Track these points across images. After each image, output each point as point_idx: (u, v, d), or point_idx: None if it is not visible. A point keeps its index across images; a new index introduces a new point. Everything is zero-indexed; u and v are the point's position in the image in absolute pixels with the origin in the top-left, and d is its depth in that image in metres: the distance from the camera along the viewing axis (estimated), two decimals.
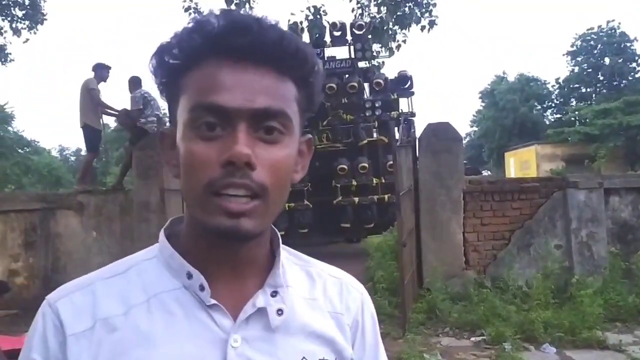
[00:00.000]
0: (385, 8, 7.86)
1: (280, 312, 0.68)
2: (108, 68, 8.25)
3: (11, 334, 5.66)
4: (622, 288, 6.14)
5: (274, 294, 0.69)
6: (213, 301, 0.65)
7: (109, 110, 8.28)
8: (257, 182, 0.61)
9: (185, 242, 0.69)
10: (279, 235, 0.74)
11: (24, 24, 13.01)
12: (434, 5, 7.85)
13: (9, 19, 12.97)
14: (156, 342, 0.63)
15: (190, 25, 0.64)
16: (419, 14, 7.72)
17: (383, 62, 11.10)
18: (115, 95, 8.99)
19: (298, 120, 0.67)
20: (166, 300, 0.65)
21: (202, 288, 0.65)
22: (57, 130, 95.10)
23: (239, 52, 0.61)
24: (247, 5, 8.77)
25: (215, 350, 0.63)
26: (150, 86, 8.24)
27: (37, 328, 0.65)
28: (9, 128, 28.07)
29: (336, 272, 0.80)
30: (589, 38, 39.56)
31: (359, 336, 0.77)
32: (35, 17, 13.01)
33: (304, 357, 0.68)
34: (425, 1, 7.75)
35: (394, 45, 7.95)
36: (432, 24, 7.86)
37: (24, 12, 13.00)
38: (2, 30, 13.16)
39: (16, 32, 12.97)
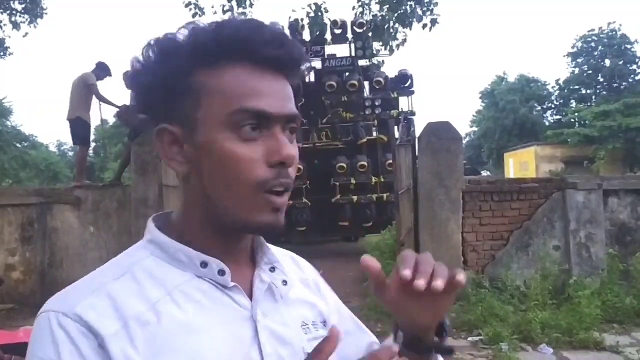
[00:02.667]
0: (387, 6, 7.84)
1: (284, 282, 0.76)
2: (108, 71, 8.18)
3: (7, 328, 5.66)
4: (620, 289, 6.13)
5: (272, 269, 0.76)
6: (233, 283, 0.69)
7: (111, 105, 8.24)
8: (291, 178, 0.69)
9: (183, 237, 0.71)
10: None
11: (24, 17, 12.98)
12: (435, 4, 7.84)
13: (8, 12, 12.93)
14: (197, 328, 0.65)
15: (212, 26, 0.67)
16: (420, 12, 7.71)
17: (383, 61, 11.10)
18: (109, 90, 8.95)
19: None
20: (187, 290, 0.67)
21: (222, 273, 0.69)
22: (55, 125, 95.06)
23: (272, 62, 0.67)
24: (247, 2, 8.74)
25: (246, 327, 0.69)
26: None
27: (57, 341, 0.60)
28: (7, 122, 28.04)
29: (282, 250, 0.87)
30: (589, 39, 39.62)
31: (322, 294, 0.86)
32: (34, 10, 12.98)
33: (302, 322, 0.76)
34: (426, 0, 7.75)
35: (394, 43, 7.93)
36: (433, 22, 7.85)
37: (23, 5, 12.96)
38: (2, 24, 13.14)
39: (15, 25, 12.94)
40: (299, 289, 0.81)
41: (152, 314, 0.64)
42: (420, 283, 0.64)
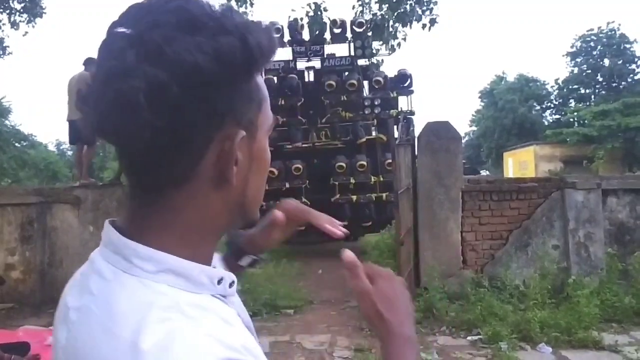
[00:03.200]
0: (386, 5, 7.84)
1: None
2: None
3: (7, 327, 5.66)
4: (619, 289, 6.14)
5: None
6: (234, 292, 0.67)
7: None
8: None
9: (196, 251, 0.62)
10: None
11: (23, 17, 12.96)
12: (435, 3, 7.84)
13: (7, 11, 12.92)
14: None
15: (270, 32, 0.62)
16: (420, 11, 7.71)
17: (382, 60, 11.09)
18: None
19: None
20: (220, 310, 0.59)
21: (232, 284, 0.64)
22: (54, 125, 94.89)
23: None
24: (247, 2, 8.74)
25: (253, 334, 0.65)
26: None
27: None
28: (6, 122, 27.99)
29: None
30: (588, 39, 39.62)
31: None
32: (34, 10, 12.96)
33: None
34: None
35: (394, 42, 7.94)
36: (433, 22, 7.85)
37: (22, 5, 12.95)
38: (1, 23, 13.12)
39: (14, 25, 12.93)
40: None
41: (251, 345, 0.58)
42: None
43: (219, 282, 0.62)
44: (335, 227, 0.95)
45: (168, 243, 0.59)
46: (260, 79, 0.64)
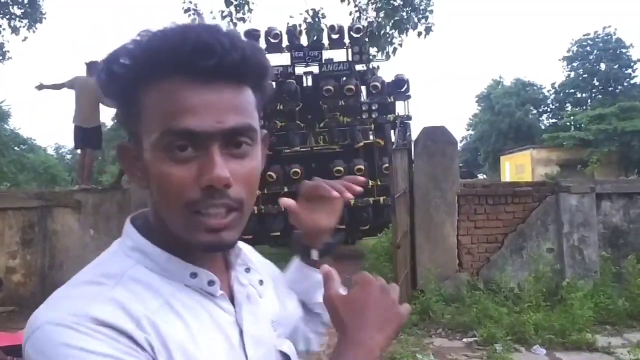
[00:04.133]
0: (383, 12, 7.95)
1: (261, 282, 0.79)
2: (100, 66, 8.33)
3: (8, 330, 5.72)
4: (613, 292, 6.21)
5: (247, 270, 0.78)
6: (221, 292, 0.71)
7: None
8: (234, 198, 0.64)
9: (162, 243, 0.69)
10: None
11: (23, 22, 13.02)
12: (431, 12, 7.96)
13: (7, 17, 12.98)
14: (196, 335, 0.65)
15: (146, 39, 0.63)
16: (416, 19, 7.82)
17: (378, 66, 11.19)
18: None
19: (258, 124, 0.69)
20: (182, 298, 0.67)
21: (211, 283, 0.69)
22: (53, 129, 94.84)
23: (205, 74, 0.61)
24: (246, 8, 8.83)
25: (233, 332, 0.71)
26: None
27: (84, 340, 0.58)
28: (6, 126, 28.03)
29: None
30: (585, 44, 39.86)
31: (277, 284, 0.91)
32: (34, 15, 13.02)
33: (271, 320, 0.80)
34: (422, 7, 7.86)
35: (390, 49, 8.04)
36: (428, 30, 7.96)
37: (22, 10, 13.01)
38: (1, 29, 13.17)
39: (15, 30, 12.99)
40: (268, 283, 0.83)
41: (154, 317, 0.63)
42: (334, 193, 0.89)
43: (193, 276, 0.68)
44: (350, 188, 0.91)
45: (146, 227, 0.71)
46: (156, 91, 0.63)
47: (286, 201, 0.92)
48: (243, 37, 0.66)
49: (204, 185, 0.62)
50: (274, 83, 10.32)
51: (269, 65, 0.69)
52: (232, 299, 0.73)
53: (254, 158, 0.67)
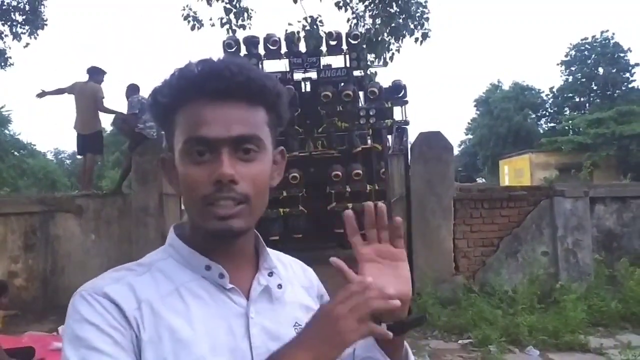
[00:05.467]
0: (379, 20, 8.06)
1: (279, 286, 0.88)
2: (104, 73, 8.43)
3: (10, 334, 5.80)
4: (606, 294, 6.30)
5: (270, 274, 0.88)
6: (231, 285, 0.82)
7: (112, 113, 8.59)
8: (240, 193, 0.78)
9: (191, 242, 0.84)
10: (259, 234, 0.92)
11: (25, 28, 13.13)
12: (427, 19, 8.06)
13: (9, 23, 13.10)
14: (194, 319, 0.78)
15: (176, 73, 0.81)
16: (412, 26, 7.92)
17: (376, 72, 11.30)
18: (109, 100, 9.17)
19: (269, 138, 0.83)
20: (192, 287, 0.81)
21: (221, 276, 0.82)
22: (53, 134, 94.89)
23: (216, 94, 0.78)
24: (245, 15, 8.94)
25: (239, 322, 0.81)
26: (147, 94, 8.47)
27: (84, 308, 0.76)
28: (6, 131, 28.13)
29: (291, 258, 1.01)
30: (583, 48, 40.01)
31: (323, 301, 0.96)
32: (35, 22, 13.13)
33: (295, 322, 0.87)
34: (418, 14, 7.97)
35: (387, 55, 8.15)
36: (425, 36, 8.06)
37: (24, 17, 13.13)
38: (3, 35, 13.28)
39: (16, 36, 13.10)
40: (298, 292, 0.92)
41: (159, 302, 0.78)
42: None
43: (207, 268, 0.82)
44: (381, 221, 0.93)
45: (182, 232, 0.88)
46: (186, 110, 0.80)
47: (337, 263, 0.86)
48: (255, 66, 0.82)
49: (213, 180, 0.77)
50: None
51: (274, 88, 0.83)
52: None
53: (261, 162, 0.81)
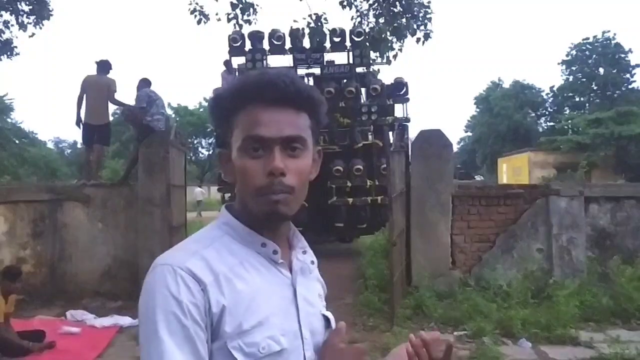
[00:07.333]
0: (383, 19, 8.20)
1: (313, 262, 1.07)
2: (111, 66, 8.58)
3: (20, 318, 5.99)
4: (598, 290, 6.47)
5: (304, 252, 1.06)
6: (282, 260, 0.98)
7: (122, 105, 8.83)
8: (287, 185, 0.92)
9: (243, 223, 0.99)
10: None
11: (30, 18, 13.23)
12: (429, 19, 8.20)
13: (15, 13, 13.19)
14: (258, 287, 0.93)
15: (240, 80, 0.98)
16: (415, 26, 8.06)
17: (378, 70, 11.45)
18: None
19: (311, 139, 0.98)
20: (252, 261, 0.95)
21: (275, 252, 0.97)
22: (54, 123, 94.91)
23: (272, 101, 0.93)
24: (251, 10, 9.05)
25: (288, 291, 0.98)
26: (155, 88, 8.64)
27: (171, 283, 0.86)
28: (8, 119, 28.21)
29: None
30: (584, 48, 40.12)
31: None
32: (41, 12, 13.23)
33: (319, 293, 1.09)
34: (421, 14, 8.10)
35: (391, 54, 8.30)
36: (427, 36, 8.20)
37: (30, 7, 13.22)
38: (9, 24, 13.38)
39: (22, 26, 13.20)
40: (315, 270, 1.09)
41: (230, 274, 0.91)
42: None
43: (263, 245, 0.97)
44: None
45: (234, 212, 1.01)
46: (244, 113, 0.94)
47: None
48: (301, 78, 0.99)
49: (267, 172, 0.91)
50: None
51: (318, 98, 1.00)
52: (291, 270, 1.00)
53: (305, 159, 0.96)
